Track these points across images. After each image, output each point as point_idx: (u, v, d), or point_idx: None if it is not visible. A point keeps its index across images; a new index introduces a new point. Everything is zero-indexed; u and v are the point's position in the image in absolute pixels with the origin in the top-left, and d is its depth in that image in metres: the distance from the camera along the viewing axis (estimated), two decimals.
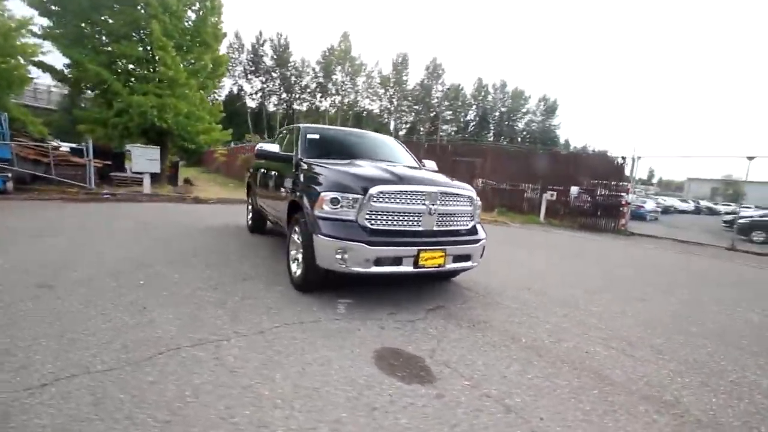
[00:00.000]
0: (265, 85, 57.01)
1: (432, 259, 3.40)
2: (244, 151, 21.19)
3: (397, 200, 3.34)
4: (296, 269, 3.81)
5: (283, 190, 4.41)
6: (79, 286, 3.49)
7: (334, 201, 3.29)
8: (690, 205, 31.01)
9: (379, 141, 5.29)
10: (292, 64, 57.08)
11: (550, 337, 3.21)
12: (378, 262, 3.22)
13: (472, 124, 66.45)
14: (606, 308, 4.12)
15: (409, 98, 61.75)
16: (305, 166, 4.02)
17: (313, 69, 58.20)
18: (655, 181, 49.98)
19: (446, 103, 63.67)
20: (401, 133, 60.40)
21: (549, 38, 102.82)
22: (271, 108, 58.14)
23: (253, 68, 55.99)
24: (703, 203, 32.72)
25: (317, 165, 3.90)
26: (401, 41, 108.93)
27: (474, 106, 66.37)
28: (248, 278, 4.07)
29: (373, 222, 3.29)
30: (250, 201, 6.87)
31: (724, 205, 29.93)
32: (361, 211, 3.26)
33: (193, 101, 13.38)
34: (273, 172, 5.02)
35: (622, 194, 12.95)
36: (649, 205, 20.42)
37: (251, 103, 56.87)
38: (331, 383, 2.25)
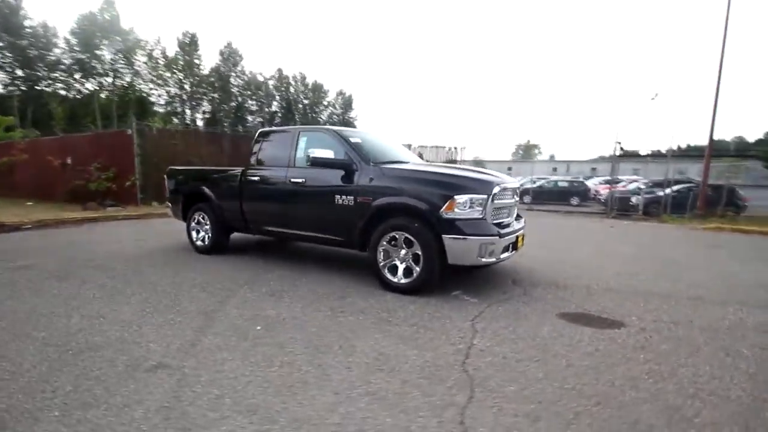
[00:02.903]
0: None
1: (521, 243, 4.24)
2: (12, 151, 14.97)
3: (504, 197, 4.00)
4: (401, 275, 3.92)
5: (345, 199, 4.22)
6: None
7: (466, 203, 3.67)
8: None
9: (388, 139, 5.49)
10: (30, 30, 42.03)
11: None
12: (503, 250, 3.83)
13: (278, 115, 65.50)
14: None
15: (204, 85, 55.44)
16: (390, 173, 4.08)
17: (67, 41, 44.61)
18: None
19: (248, 92, 60.46)
20: (200, 123, 53.94)
21: (344, 36, 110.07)
22: None
23: None
24: None
25: (415, 171, 4.10)
26: (187, 20, 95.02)
27: (278, 97, 65.50)
28: (348, 295, 3.88)
29: (492, 217, 3.84)
30: (197, 218, 5.74)
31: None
32: (486, 210, 3.76)
33: None
34: (312, 183, 4.59)
35: None
36: None
37: None
38: (548, 337, 2.87)
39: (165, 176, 6.35)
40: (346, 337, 2.92)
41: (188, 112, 55.18)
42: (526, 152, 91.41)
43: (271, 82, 64.00)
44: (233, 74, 58.47)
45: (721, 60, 11.89)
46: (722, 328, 3.23)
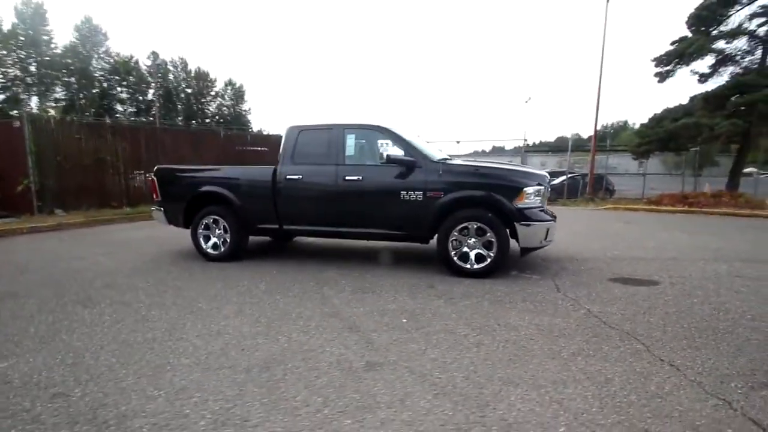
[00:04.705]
0: None
1: None
2: None
3: (547, 188, 4.68)
4: (473, 262, 4.33)
5: (413, 195, 4.42)
6: None
7: (532, 194, 4.25)
8: None
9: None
10: None
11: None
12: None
13: (155, 104, 57.54)
14: None
15: (57, 67, 45.66)
16: (455, 169, 4.45)
17: None
18: None
19: (116, 77, 51.85)
20: (52, 113, 44.35)
21: (231, 20, 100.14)
22: None
23: None
24: None
25: (479, 167, 4.52)
26: None
27: (153, 85, 57.50)
28: (431, 284, 4.13)
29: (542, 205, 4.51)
30: (206, 223, 5.23)
31: None
32: (542, 199, 4.40)
33: None
34: (371, 180, 4.64)
35: None
36: None
37: None
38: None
39: (154, 177, 5.53)
40: (494, 317, 3.22)
41: (35, 99, 44.88)
42: None
43: (144, 67, 55.85)
44: (96, 56, 49.40)
45: (601, 67, 14.78)
46: (714, 276, 4.43)
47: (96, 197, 11.14)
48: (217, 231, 5.26)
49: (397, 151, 4.37)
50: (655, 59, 13.97)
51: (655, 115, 15.36)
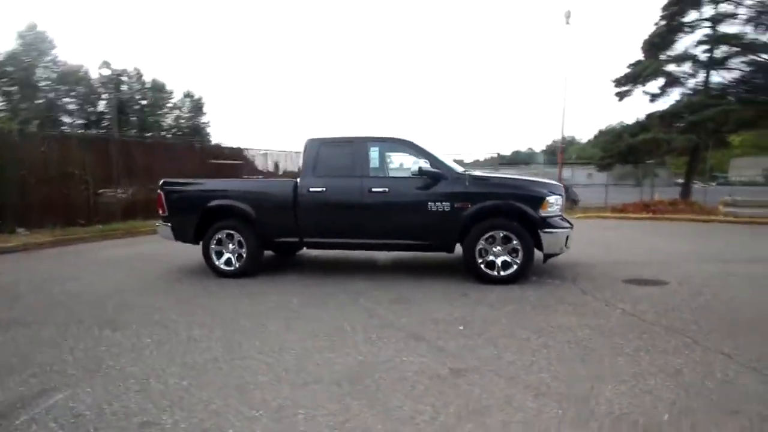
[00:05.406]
0: None
1: None
2: None
3: (564, 197, 4.96)
4: (500, 268, 4.49)
5: (440, 206, 4.53)
6: None
7: (554, 203, 4.51)
8: None
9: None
10: None
11: None
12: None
13: (106, 116, 54.37)
14: None
15: None
16: (481, 180, 4.65)
17: None
18: None
19: (64, 87, 48.62)
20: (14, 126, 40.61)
21: (189, 31, 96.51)
22: None
23: None
24: None
25: (503, 178, 4.81)
26: None
27: (105, 95, 54.41)
28: (465, 292, 4.23)
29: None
30: (218, 238, 5.05)
31: None
32: (560, 207, 4.67)
33: None
34: (398, 192, 4.71)
35: None
36: None
37: None
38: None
39: (161, 192, 5.26)
40: (543, 321, 3.37)
41: None
42: None
43: (95, 76, 52.80)
44: (41, 65, 46.11)
45: (565, 87, 15.89)
46: (710, 276, 4.86)
47: (61, 214, 10.32)
48: (231, 246, 5.08)
49: (424, 164, 4.48)
50: (615, 80, 15.32)
51: (614, 129, 16.63)
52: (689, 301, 3.86)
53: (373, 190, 4.70)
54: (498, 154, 17.83)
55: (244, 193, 5.10)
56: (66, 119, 49.79)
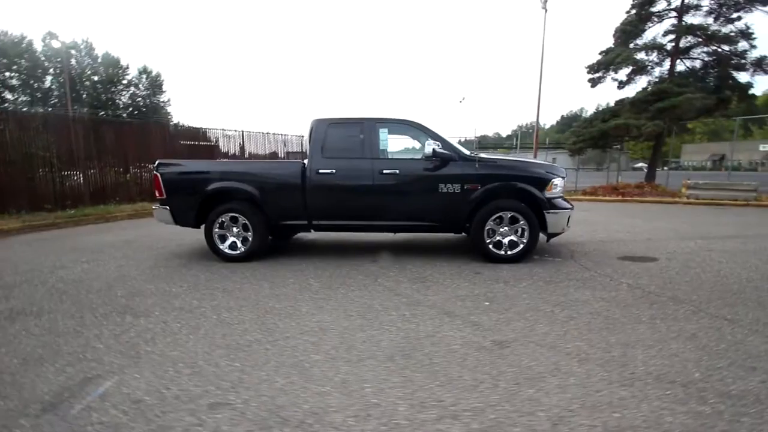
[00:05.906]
0: None
1: None
2: None
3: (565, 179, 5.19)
4: (507, 248, 4.69)
5: (451, 187, 4.63)
6: None
7: (557, 184, 4.72)
8: None
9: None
10: None
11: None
12: None
13: (54, 92, 50.28)
14: None
15: None
16: (490, 162, 4.75)
17: None
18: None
19: (3, 60, 44.27)
20: None
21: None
22: None
23: None
24: None
25: (511, 161, 4.92)
26: None
27: (52, 70, 50.15)
28: (479, 271, 4.40)
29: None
30: (222, 221, 4.94)
31: None
32: (562, 189, 4.89)
33: None
34: (408, 174, 4.75)
35: None
36: None
37: None
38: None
39: (157, 173, 5.02)
40: (561, 294, 3.59)
41: None
42: None
43: (40, 49, 48.50)
44: None
45: (541, 75, 16.32)
46: (692, 251, 5.30)
47: (25, 199, 9.61)
48: (235, 229, 4.98)
49: (437, 147, 4.53)
50: (588, 67, 15.86)
51: (580, 115, 17.23)
52: (682, 274, 4.21)
53: (385, 171, 4.72)
54: (476, 137, 18.11)
55: (250, 176, 4.96)
56: (8, 96, 45.59)
